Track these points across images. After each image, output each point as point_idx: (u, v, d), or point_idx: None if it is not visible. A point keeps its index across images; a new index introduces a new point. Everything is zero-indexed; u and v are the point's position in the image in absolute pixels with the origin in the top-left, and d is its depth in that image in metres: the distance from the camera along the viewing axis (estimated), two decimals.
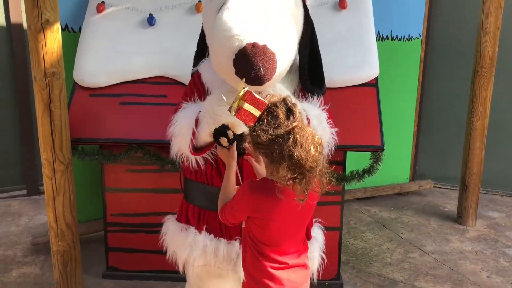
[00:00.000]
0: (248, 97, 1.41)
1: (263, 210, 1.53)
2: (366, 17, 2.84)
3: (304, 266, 1.65)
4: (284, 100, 1.42)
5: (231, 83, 1.73)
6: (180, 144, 1.89)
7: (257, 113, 1.41)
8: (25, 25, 3.94)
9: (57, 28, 2.35)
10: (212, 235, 1.91)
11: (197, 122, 1.82)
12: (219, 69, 1.74)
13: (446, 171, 4.57)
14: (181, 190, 2.16)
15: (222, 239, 1.91)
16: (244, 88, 1.43)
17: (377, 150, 2.50)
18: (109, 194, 2.77)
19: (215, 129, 1.66)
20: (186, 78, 2.71)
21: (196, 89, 1.95)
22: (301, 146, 1.38)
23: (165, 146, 2.61)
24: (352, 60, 2.69)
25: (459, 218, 3.81)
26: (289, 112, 1.41)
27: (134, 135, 2.60)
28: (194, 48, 2.72)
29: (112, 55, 2.72)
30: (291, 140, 1.37)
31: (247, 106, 1.40)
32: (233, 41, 1.57)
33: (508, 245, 3.47)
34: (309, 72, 1.91)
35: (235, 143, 1.65)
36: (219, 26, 1.63)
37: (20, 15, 3.96)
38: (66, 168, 2.49)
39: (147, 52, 2.75)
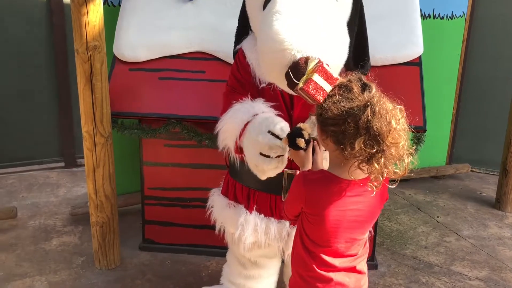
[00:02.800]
0: (320, 70, 1.31)
1: (317, 205, 1.38)
2: None
3: (360, 271, 1.50)
4: (359, 76, 1.33)
5: (282, 88, 1.70)
6: (226, 142, 1.87)
7: (327, 87, 1.31)
8: None
9: (99, 2, 2.36)
10: (262, 214, 1.91)
11: (242, 131, 1.76)
12: (269, 77, 1.70)
13: (485, 155, 4.45)
14: (226, 167, 2.15)
15: (272, 218, 1.90)
16: (316, 60, 1.34)
17: (419, 131, 2.43)
18: (147, 168, 2.80)
19: (290, 133, 1.60)
20: (224, 54, 2.70)
21: (243, 68, 1.91)
22: (381, 116, 1.23)
23: (203, 122, 2.63)
24: (396, 38, 2.61)
25: (498, 203, 3.72)
26: (365, 86, 1.30)
27: (172, 110, 2.61)
28: (233, 25, 2.69)
29: (151, 30, 2.71)
30: (369, 110, 1.22)
31: (316, 77, 1.30)
32: (285, 55, 1.52)
33: None
34: (354, 52, 1.86)
35: (311, 143, 1.59)
36: (270, 35, 1.58)
37: None
38: (106, 141, 2.53)
39: (186, 27, 2.73)
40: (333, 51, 1.59)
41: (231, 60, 2.66)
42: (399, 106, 1.31)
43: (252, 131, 1.68)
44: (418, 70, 2.59)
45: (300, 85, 1.34)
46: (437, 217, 3.56)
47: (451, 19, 3.89)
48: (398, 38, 2.61)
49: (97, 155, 2.52)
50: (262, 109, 1.77)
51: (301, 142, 1.58)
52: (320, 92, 1.31)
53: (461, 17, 3.95)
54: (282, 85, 1.65)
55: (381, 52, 2.56)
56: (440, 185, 4.19)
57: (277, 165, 1.66)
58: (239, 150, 1.80)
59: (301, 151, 1.60)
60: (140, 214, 3.04)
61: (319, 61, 1.34)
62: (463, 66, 4.18)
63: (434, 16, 3.79)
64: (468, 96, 4.37)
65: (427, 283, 2.71)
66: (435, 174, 4.23)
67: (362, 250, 1.50)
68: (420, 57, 2.62)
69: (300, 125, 1.64)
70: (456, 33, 3.97)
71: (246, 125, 1.73)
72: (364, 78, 1.33)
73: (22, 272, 2.69)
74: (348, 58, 1.84)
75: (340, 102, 1.27)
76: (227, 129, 1.82)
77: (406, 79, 2.58)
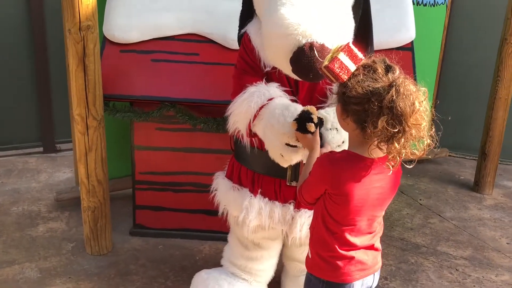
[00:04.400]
0: (345, 49, 1.31)
1: (343, 185, 1.38)
2: None
3: (377, 248, 1.54)
4: (383, 58, 1.34)
5: (287, 73, 1.70)
6: (237, 125, 1.84)
7: (352, 67, 1.31)
8: None
9: None
10: (266, 198, 1.91)
11: (256, 115, 1.74)
12: (275, 62, 1.69)
13: (462, 140, 4.58)
14: (227, 150, 2.13)
15: (276, 202, 1.91)
16: (340, 43, 1.34)
17: None
18: (138, 152, 2.76)
19: (298, 118, 1.58)
20: (218, 37, 2.67)
21: (251, 51, 1.89)
22: (405, 97, 1.25)
23: (198, 105, 2.61)
24: (389, 23, 2.64)
25: (476, 186, 3.84)
26: (389, 67, 1.31)
27: (166, 93, 2.57)
28: (226, 7, 2.68)
29: (143, 11, 2.65)
30: (393, 90, 1.25)
31: (342, 56, 1.30)
32: (290, 41, 1.53)
33: None
34: (357, 35, 1.87)
35: (318, 127, 1.58)
36: (275, 21, 1.57)
37: None
38: (99, 124, 2.48)
39: (179, 8, 2.68)
40: (338, 37, 1.60)
41: (225, 43, 2.66)
42: (423, 88, 1.33)
43: (274, 120, 1.66)
44: (410, 55, 2.65)
45: (326, 63, 1.33)
46: (420, 199, 3.66)
47: (434, 6, 3.96)
48: (391, 23, 2.64)
49: (90, 138, 2.46)
50: (277, 94, 1.77)
51: (311, 127, 1.57)
52: (345, 71, 1.31)
53: (443, 4, 4.02)
54: (287, 70, 1.65)
55: (374, 36, 2.58)
56: (420, 169, 4.29)
57: (303, 153, 1.66)
58: (251, 133, 1.79)
59: (309, 134, 1.60)
60: (129, 199, 3.01)
61: (346, 43, 1.34)
62: (443, 53, 4.27)
63: (418, 3, 3.84)
64: (447, 83, 4.47)
65: (416, 263, 2.79)
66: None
67: (379, 227, 1.53)
68: (412, 42, 2.67)
69: (308, 108, 1.64)
70: (438, 20, 4.04)
71: (260, 108, 1.72)
72: (388, 60, 1.34)
73: (10, 259, 2.62)
74: (352, 40, 1.85)
75: (364, 82, 1.28)
76: (240, 112, 1.80)
77: (399, 64, 2.61)
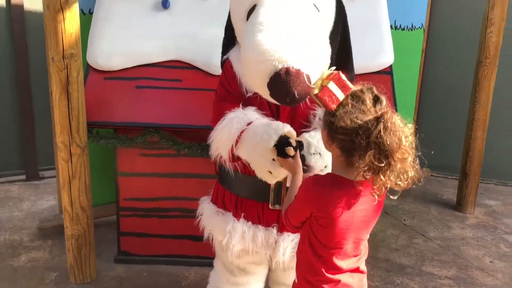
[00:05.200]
0: (335, 78, 1.34)
1: (329, 207, 1.39)
2: (380, 5, 2.87)
3: (362, 271, 1.54)
4: (370, 88, 1.36)
5: (266, 98, 1.72)
6: (220, 151, 1.87)
7: (341, 96, 1.34)
8: (25, 6, 3.88)
9: (75, 9, 2.32)
10: (250, 222, 1.92)
11: (238, 139, 1.77)
12: (254, 87, 1.72)
13: (443, 160, 4.66)
14: (209, 175, 2.14)
15: (259, 225, 1.92)
16: (330, 69, 1.38)
17: None
18: (122, 178, 2.75)
19: (277, 144, 1.61)
20: (201, 63, 2.71)
21: (231, 78, 1.93)
22: (392, 133, 1.27)
23: (182, 130, 2.63)
24: (367, 47, 2.70)
25: (459, 205, 3.90)
26: (376, 99, 1.34)
27: (150, 119, 2.58)
28: (208, 34, 2.72)
29: (126, 38, 2.68)
30: (381, 126, 1.27)
31: (332, 85, 1.33)
32: (267, 65, 1.55)
33: (507, 231, 3.57)
34: (338, 61, 1.92)
35: (298, 150, 1.61)
36: (252, 46, 1.60)
37: None
38: (83, 151, 2.47)
39: (162, 35, 2.72)
40: (314, 62, 1.64)
41: (208, 69, 2.70)
42: (409, 124, 1.36)
43: (257, 138, 1.69)
44: (389, 78, 2.71)
45: (316, 91, 1.37)
46: (404, 220, 3.69)
47: (411, 30, 4.08)
48: (370, 48, 2.71)
49: (73, 166, 2.46)
50: (255, 117, 1.80)
51: (290, 151, 1.60)
52: (334, 100, 1.35)
53: (420, 28, 4.14)
54: (265, 95, 1.67)
55: (354, 61, 2.64)
56: None
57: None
58: (234, 158, 1.82)
59: (290, 159, 1.62)
60: (113, 225, 2.98)
61: (336, 71, 1.38)
62: (422, 75, 4.38)
63: (396, 27, 3.95)
64: (427, 104, 4.58)
65: (402, 284, 2.81)
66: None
67: (364, 250, 1.55)
68: (391, 66, 2.74)
69: (285, 132, 1.67)
70: (416, 43, 4.16)
71: (241, 133, 1.75)
72: (375, 90, 1.37)
73: None
74: (332, 66, 1.90)
75: (352, 113, 1.31)
76: (222, 139, 1.82)
77: (378, 88, 2.68)
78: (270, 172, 1.69)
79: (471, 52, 3.91)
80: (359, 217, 1.44)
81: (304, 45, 1.61)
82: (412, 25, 4.08)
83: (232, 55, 1.97)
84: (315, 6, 1.74)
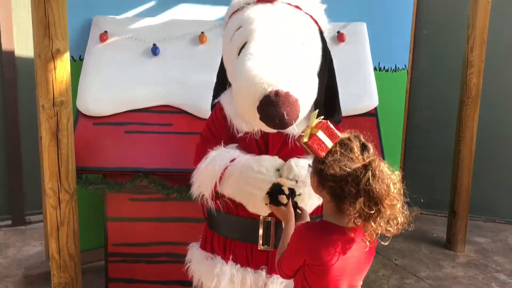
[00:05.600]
0: (323, 126, 1.39)
1: (322, 255, 1.40)
2: (363, 49, 2.96)
3: None
4: (357, 136, 1.41)
5: (256, 126, 1.80)
6: (202, 189, 1.90)
7: (329, 144, 1.38)
8: (16, 52, 3.94)
9: (66, 58, 2.36)
10: (238, 264, 1.91)
11: (221, 176, 1.82)
12: (243, 113, 1.79)
13: (432, 198, 4.68)
14: (197, 219, 2.15)
15: (248, 268, 1.91)
16: (319, 118, 1.42)
17: None
18: (110, 223, 2.73)
19: (270, 191, 1.65)
20: (191, 107, 2.75)
21: (218, 122, 1.98)
22: (380, 180, 1.31)
23: (171, 174, 2.63)
24: (352, 91, 2.77)
25: (448, 243, 3.90)
26: (364, 147, 1.38)
27: (139, 163, 2.60)
28: (198, 79, 2.79)
29: (116, 84, 2.73)
30: (369, 173, 1.31)
31: (321, 134, 1.38)
32: (257, 89, 1.63)
33: (497, 269, 3.56)
34: (325, 104, 1.97)
35: (290, 198, 1.64)
36: (243, 74, 1.69)
37: (12, 43, 3.92)
38: (71, 197, 2.46)
39: (152, 81, 2.77)
40: (302, 87, 1.70)
41: (198, 113, 2.74)
42: (396, 172, 1.40)
43: (252, 173, 1.73)
44: (375, 121, 2.77)
45: (305, 139, 1.41)
46: (395, 259, 3.68)
47: (395, 71, 4.19)
48: (355, 91, 2.78)
49: (62, 212, 2.43)
50: (237, 153, 1.84)
51: (283, 199, 1.63)
52: (323, 148, 1.39)
53: (404, 69, 4.26)
54: (255, 120, 1.72)
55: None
56: None
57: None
58: (216, 196, 1.85)
59: (282, 206, 1.64)
60: (101, 271, 2.93)
61: (324, 120, 1.43)
62: (407, 115, 4.47)
63: (380, 69, 4.07)
64: (414, 143, 4.65)
65: None
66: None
67: None
68: (376, 108, 2.80)
69: (279, 180, 1.71)
70: (400, 84, 4.26)
71: (224, 170, 1.79)
72: (362, 138, 1.42)
73: None
74: (320, 109, 1.95)
75: (341, 161, 1.35)
76: (205, 177, 1.86)
77: (364, 130, 2.72)
78: (267, 204, 1.71)
79: (454, 91, 4.02)
80: (352, 264, 1.45)
81: (293, 71, 1.69)
82: (395, 67, 4.19)
83: (223, 98, 2.03)
84: (303, 45, 1.82)
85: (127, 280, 2.79)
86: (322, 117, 1.53)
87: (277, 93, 1.60)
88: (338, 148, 1.38)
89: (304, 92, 1.69)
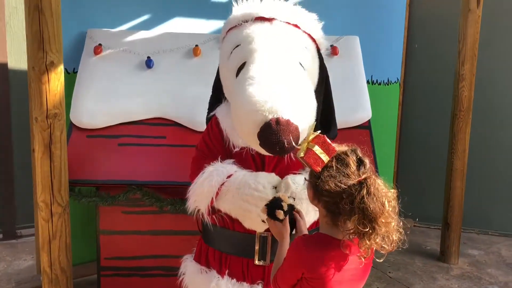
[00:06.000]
0: (320, 141, 1.39)
1: (321, 268, 1.39)
2: (356, 62, 2.99)
3: None
4: (354, 150, 1.40)
5: (255, 149, 1.80)
6: (198, 204, 1.90)
7: (325, 158, 1.38)
8: (10, 64, 3.93)
9: (60, 70, 2.35)
10: (234, 279, 1.90)
11: (218, 192, 1.83)
12: (243, 136, 1.80)
13: (425, 210, 4.70)
14: (191, 232, 2.14)
15: (244, 283, 1.90)
16: (315, 132, 1.43)
17: None
18: (103, 237, 2.71)
19: (269, 204, 1.65)
20: (184, 120, 2.76)
21: (214, 136, 1.98)
22: (375, 198, 1.31)
23: (165, 187, 2.63)
24: (346, 104, 2.79)
25: (442, 256, 3.90)
26: (360, 162, 1.37)
27: (133, 176, 2.59)
28: (192, 91, 2.80)
29: (110, 97, 2.73)
30: (364, 191, 1.30)
31: (317, 149, 1.38)
32: (258, 116, 1.63)
33: (491, 281, 3.56)
34: (321, 118, 1.98)
35: (287, 217, 1.63)
36: (244, 99, 1.69)
37: (5, 55, 3.91)
38: (64, 210, 2.44)
39: (146, 94, 2.77)
40: (303, 113, 1.71)
41: (191, 126, 2.74)
42: (393, 190, 1.40)
43: (250, 191, 1.75)
44: (368, 133, 2.78)
45: (301, 154, 1.41)
46: (389, 272, 3.67)
47: (388, 84, 4.23)
48: (349, 104, 2.80)
49: (54, 225, 2.41)
50: (234, 169, 1.84)
51: (280, 214, 1.62)
52: (319, 163, 1.39)
53: (396, 83, 4.31)
54: (255, 145, 1.73)
55: None
56: None
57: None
58: (213, 211, 1.85)
59: (278, 222, 1.64)
60: (93, 285, 2.90)
61: (320, 134, 1.43)
62: (400, 127, 4.50)
63: (373, 82, 4.10)
64: (407, 155, 4.67)
65: None
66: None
67: None
68: (369, 120, 2.82)
69: (280, 195, 1.70)
70: (393, 97, 4.30)
71: (221, 186, 1.80)
72: (359, 152, 1.41)
73: None
74: (316, 123, 1.96)
75: (337, 177, 1.34)
76: (202, 192, 1.85)
77: (357, 142, 2.73)
78: (264, 221, 1.71)
79: (446, 104, 4.06)
80: (349, 276, 1.45)
81: (293, 97, 1.69)
82: (388, 80, 4.24)
83: (219, 111, 2.03)
84: (301, 65, 1.83)
85: None
86: (319, 131, 1.54)
87: (277, 121, 1.61)
88: (334, 163, 1.37)
89: (304, 118, 1.69)
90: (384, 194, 1.34)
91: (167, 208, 2.61)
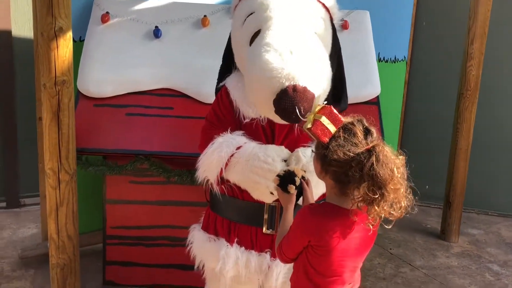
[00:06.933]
0: (326, 112, 1.39)
1: (327, 236, 1.41)
2: (366, 37, 2.96)
3: None
4: (360, 120, 1.40)
5: (269, 117, 1.79)
6: (207, 174, 1.90)
7: (333, 129, 1.38)
8: (13, 32, 3.88)
9: (69, 36, 2.33)
10: (243, 247, 1.91)
11: (227, 163, 1.83)
12: (257, 104, 1.78)
13: (426, 189, 4.72)
14: (199, 202, 2.14)
15: (253, 251, 1.91)
16: (321, 104, 1.43)
17: None
18: (109, 206, 2.72)
19: (282, 176, 1.65)
20: (192, 91, 2.73)
21: (224, 106, 1.97)
22: (384, 165, 1.32)
23: (172, 157, 2.62)
24: (355, 79, 2.75)
25: (443, 234, 3.94)
26: (367, 131, 1.37)
27: (140, 146, 2.58)
28: (201, 62, 2.77)
29: (117, 66, 2.70)
30: (373, 158, 1.31)
31: (324, 120, 1.38)
32: (274, 83, 1.62)
33: (490, 260, 3.61)
34: (333, 90, 1.96)
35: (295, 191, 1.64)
36: (259, 65, 1.66)
37: (8, 22, 3.86)
38: (71, 178, 2.44)
39: (153, 64, 2.74)
40: (320, 81, 1.69)
41: (199, 97, 2.72)
42: (401, 157, 1.40)
43: (259, 163, 1.74)
44: (377, 109, 2.77)
45: (308, 125, 1.41)
46: (390, 249, 3.71)
47: (394, 62, 4.20)
48: (357, 79, 2.77)
49: (61, 193, 2.41)
50: (243, 141, 1.84)
51: (292, 189, 1.63)
52: (326, 133, 1.39)
53: (403, 61, 4.27)
54: (269, 112, 1.71)
55: None
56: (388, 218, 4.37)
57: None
58: (222, 181, 1.86)
59: (287, 193, 1.64)
60: (98, 254, 2.92)
61: (327, 105, 1.42)
62: (405, 106, 4.48)
63: (380, 60, 4.06)
64: (410, 134, 4.67)
65: None
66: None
67: (357, 278, 1.56)
68: (378, 96, 2.81)
69: (294, 168, 1.70)
70: (399, 76, 4.27)
71: (230, 157, 1.80)
72: (365, 122, 1.41)
73: None
74: (327, 96, 1.95)
75: (345, 146, 1.34)
76: (211, 162, 1.85)
77: (366, 117, 2.74)
78: (272, 193, 1.73)
79: (452, 83, 4.03)
80: (354, 245, 1.46)
81: (310, 65, 1.67)
82: (395, 58, 4.19)
83: (229, 82, 2.01)
84: (316, 34, 1.81)
85: (125, 263, 2.78)
86: (325, 102, 1.54)
87: (295, 88, 1.59)
88: (341, 133, 1.37)
89: (320, 86, 1.68)
90: (392, 161, 1.35)
91: (174, 178, 2.61)
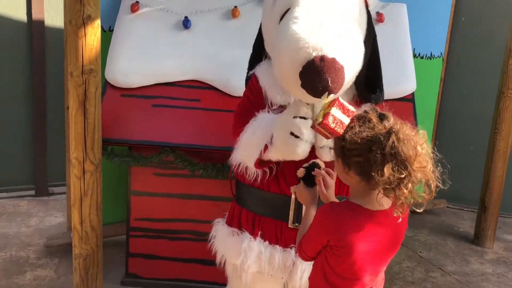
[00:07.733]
0: (337, 103, 1.32)
1: (346, 235, 1.33)
2: (403, 31, 2.84)
3: None
4: (373, 108, 1.34)
5: (295, 95, 1.70)
6: (244, 156, 1.82)
7: (346, 120, 1.31)
8: (46, 22, 3.91)
9: (97, 24, 2.29)
10: (267, 241, 1.84)
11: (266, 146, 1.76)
12: (283, 79, 1.68)
13: (460, 191, 4.54)
14: (232, 196, 2.07)
15: (277, 246, 1.84)
16: (329, 97, 1.37)
17: None
18: (134, 197, 2.69)
19: (306, 168, 1.58)
20: (220, 83, 2.68)
21: (256, 90, 1.91)
22: (406, 141, 1.24)
23: (198, 150, 2.58)
24: (390, 74, 2.62)
25: (476, 239, 3.77)
26: (382, 116, 1.30)
27: (166, 138, 2.54)
28: (229, 54, 2.71)
29: (146, 56, 2.66)
30: (393, 136, 1.24)
31: (334, 111, 1.31)
32: (301, 53, 1.52)
33: None
34: (367, 80, 1.87)
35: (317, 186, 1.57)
36: (286, 37, 1.58)
37: (42, 12, 3.89)
38: (96, 168, 2.41)
39: (182, 55, 2.70)
40: (349, 52, 1.59)
41: (227, 89, 2.66)
42: (422, 131, 1.33)
43: (283, 114, 1.71)
44: (411, 106, 2.66)
45: (320, 119, 1.34)
46: (420, 252, 3.58)
47: (430, 59, 4.04)
48: (392, 74, 2.65)
49: (86, 183, 2.39)
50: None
51: (319, 174, 1.55)
52: (340, 125, 1.32)
53: (439, 57, 4.10)
54: (296, 88, 1.61)
55: None
56: (418, 220, 4.22)
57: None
58: (260, 164, 1.78)
59: (306, 189, 1.57)
60: (121, 245, 2.91)
61: (335, 98, 1.36)
62: (440, 104, 4.31)
63: (415, 56, 3.91)
64: (445, 133, 4.49)
65: None
66: (412, 209, 4.27)
67: (380, 281, 1.48)
68: (413, 93, 2.68)
69: (318, 161, 1.63)
70: (435, 73, 4.10)
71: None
72: (379, 109, 1.34)
73: None
74: (361, 85, 1.85)
75: (362, 132, 1.27)
76: (250, 144, 1.79)
77: (400, 115, 2.60)
78: (292, 133, 1.65)
79: (491, 82, 3.85)
80: (377, 248, 1.38)
81: (340, 36, 1.57)
82: (431, 54, 4.04)
83: (259, 70, 1.96)
84: (350, 14, 1.72)
85: (148, 256, 2.75)
86: (332, 95, 1.45)
87: (322, 59, 1.49)
88: (356, 122, 1.31)
89: (350, 60, 1.58)
90: (414, 138, 1.28)
91: (199, 172, 2.56)
